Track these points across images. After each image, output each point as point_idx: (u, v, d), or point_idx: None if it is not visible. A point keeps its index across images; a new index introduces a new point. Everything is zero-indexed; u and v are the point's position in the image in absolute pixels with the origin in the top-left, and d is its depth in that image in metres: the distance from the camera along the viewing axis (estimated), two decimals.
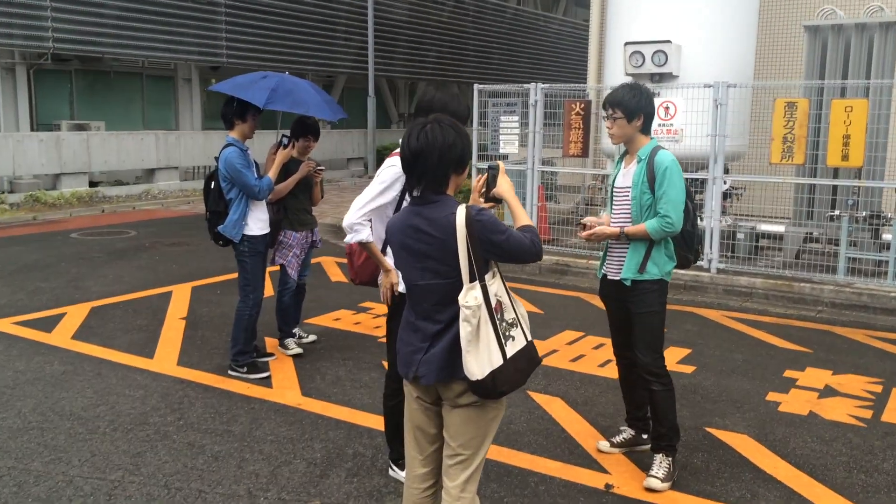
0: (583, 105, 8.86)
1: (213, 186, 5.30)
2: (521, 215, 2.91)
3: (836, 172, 8.19)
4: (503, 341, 2.67)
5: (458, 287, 2.66)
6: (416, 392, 2.83)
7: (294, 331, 5.97)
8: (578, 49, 33.00)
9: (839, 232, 7.95)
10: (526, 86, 9.18)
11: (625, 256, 3.88)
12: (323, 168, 5.88)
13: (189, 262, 9.21)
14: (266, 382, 5.19)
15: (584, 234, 3.94)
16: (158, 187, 16.15)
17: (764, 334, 6.53)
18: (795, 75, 9.88)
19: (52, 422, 4.47)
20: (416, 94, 25.58)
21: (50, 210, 13.36)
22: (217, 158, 5.33)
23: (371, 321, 6.75)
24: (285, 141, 5.48)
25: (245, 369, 5.29)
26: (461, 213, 2.65)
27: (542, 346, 5.99)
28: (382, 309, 7.08)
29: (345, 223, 3.52)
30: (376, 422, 4.53)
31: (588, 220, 4.01)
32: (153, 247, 10.19)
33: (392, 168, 3.49)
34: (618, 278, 3.91)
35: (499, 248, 2.69)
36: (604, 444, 4.24)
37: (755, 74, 9.56)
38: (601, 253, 4.11)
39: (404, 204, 3.47)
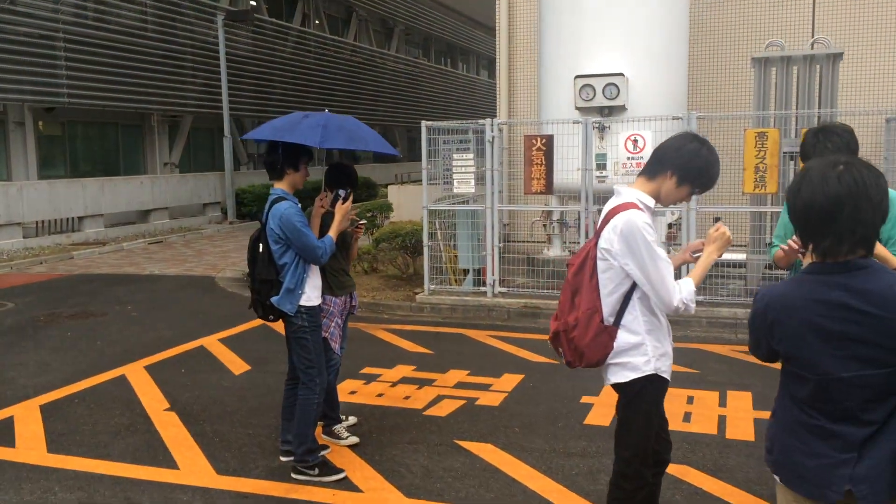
0: (544, 140, 8.53)
1: (261, 250, 4.36)
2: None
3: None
4: None
5: None
6: None
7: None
8: (413, 86, 33.18)
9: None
10: (480, 121, 8.73)
11: None
12: (364, 221, 5.04)
13: (116, 336, 7.79)
14: (347, 485, 4.27)
15: None
16: None
17: None
18: (735, 106, 10.19)
19: None
20: None
21: None
22: (261, 215, 4.40)
23: (392, 391, 5.91)
24: (342, 193, 4.62)
25: (317, 471, 4.34)
26: None
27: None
28: (392, 375, 6.30)
29: (675, 306, 2.85)
30: None
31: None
32: (52, 321, 8.56)
33: (645, 225, 2.84)
34: None
35: None
36: None
37: (689, 106, 9.71)
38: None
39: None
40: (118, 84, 17.25)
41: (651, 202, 2.99)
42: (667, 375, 3.01)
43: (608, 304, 2.98)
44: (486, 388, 5.94)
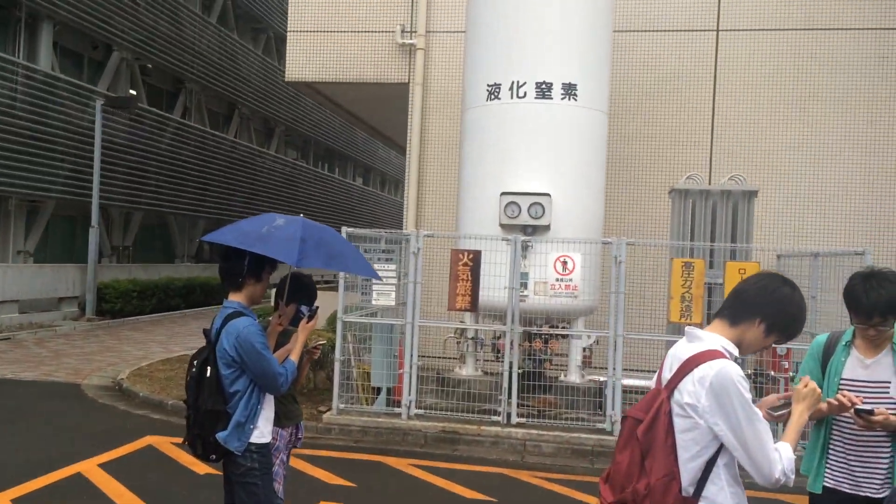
0: (471, 255, 8.19)
1: (208, 374, 3.62)
2: None
3: None
4: None
5: None
6: None
7: None
8: (290, 187, 32.62)
9: None
10: (406, 232, 8.31)
11: (887, 464, 3.20)
12: (323, 342, 4.40)
13: None
14: None
15: (878, 420, 3.08)
16: None
17: None
18: (641, 235, 10.31)
19: None
20: (131, 225, 22.82)
21: None
22: (211, 332, 3.68)
23: None
24: (305, 310, 3.98)
25: None
26: None
27: None
28: None
29: (776, 478, 2.42)
30: None
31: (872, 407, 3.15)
32: None
33: (741, 380, 2.44)
34: (878, 496, 3.19)
35: None
36: None
37: (604, 231, 9.72)
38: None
39: None
40: None
41: (736, 351, 2.60)
42: None
43: (689, 471, 2.51)
44: None
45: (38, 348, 13.60)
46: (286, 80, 12.52)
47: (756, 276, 2.71)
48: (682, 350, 2.63)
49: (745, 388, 2.45)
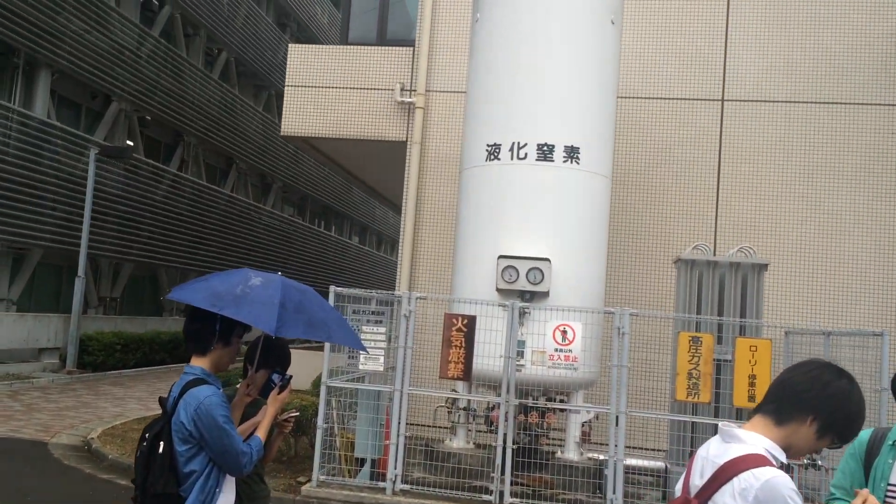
0: (465, 321, 7.76)
1: (161, 450, 3.15)
2: None
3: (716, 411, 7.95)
4: None
5: None
6: None
7: None
8: (286, 242, 32.31)
9: None
10: (397, 293, 7.89)
11: None
12: (297, 413, 3.94)
13: None
14: None
15: None
16: None
17: None
18: (647, 305, 9.91)
19: None
20: (120, 276, 22.36)
21: None
22: (167, 401, 3.23)
23: None
24: (277, 379, 3.54)
25: None
26: None
27: None
28: None
29: None
30: None
31: None
32: None
33: (792, 494, 2.01)
34: None
35: None
36: None
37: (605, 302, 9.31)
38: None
39: None
40: None
41: (783, 456, 2.17)
42: None
43: None
44: None
45: (10, 401, 13.00)
46: (282, 134, 12.28)
47: (805, 366, 2.29)
48: (716, 452, 2.20)
49: None
